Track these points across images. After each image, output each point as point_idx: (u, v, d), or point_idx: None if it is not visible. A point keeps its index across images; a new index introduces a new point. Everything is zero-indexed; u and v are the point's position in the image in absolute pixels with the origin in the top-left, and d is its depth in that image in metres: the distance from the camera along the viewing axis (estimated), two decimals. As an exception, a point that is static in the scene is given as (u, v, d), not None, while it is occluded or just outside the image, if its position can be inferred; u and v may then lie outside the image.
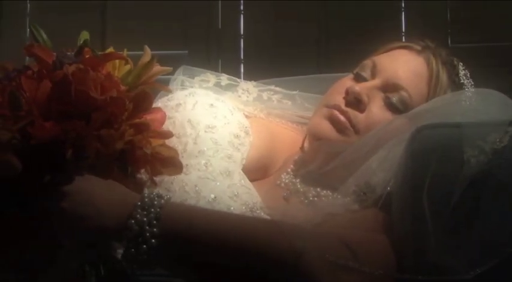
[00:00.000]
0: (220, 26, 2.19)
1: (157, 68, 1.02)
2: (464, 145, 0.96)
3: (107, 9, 2.22)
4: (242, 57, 2.17)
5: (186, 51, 2.18)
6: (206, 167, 1.12)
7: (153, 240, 0.89)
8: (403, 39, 1.99)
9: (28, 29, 2.24)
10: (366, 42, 1.85)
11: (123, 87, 0.96)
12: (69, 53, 0.96)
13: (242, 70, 2.16)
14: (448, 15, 2.09)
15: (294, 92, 1.38)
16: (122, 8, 2.22)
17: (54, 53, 0.95)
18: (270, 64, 2.10)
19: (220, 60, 2.17)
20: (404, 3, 2.12)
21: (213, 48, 2.17)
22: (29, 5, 2.26)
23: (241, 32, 2.18)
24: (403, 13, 2.12)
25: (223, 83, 1.36)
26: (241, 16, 2.18)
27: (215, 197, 1.08)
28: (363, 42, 1.94)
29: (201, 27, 2.18)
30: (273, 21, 2.16)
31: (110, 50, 1.00)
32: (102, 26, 2.21)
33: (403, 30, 2.12)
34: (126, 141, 0.93)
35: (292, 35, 2.15)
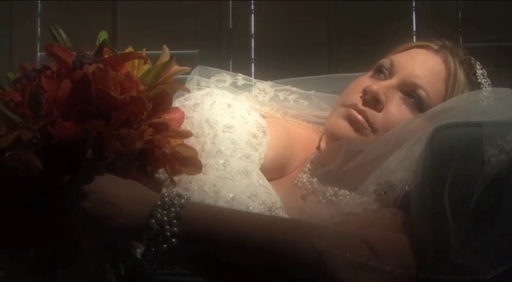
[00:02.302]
0: (231, 26, 2.19)
1: (175, 67, 1.01)
2: (485, 144, 0.96)
3: (117, 9, 2.22)
4: (253, 56, 2.17)
5: (197, 51, 2.18)
6: (224, 166, 1.13)
7: (174, 240, 0.89)
8: (414, 39, 2.01)
9: (39, 29, 2.25)
10: (376, 41, 1.86)
11: (142, 87, 0.96)
12: (88, 53, 0.96)
13: (253, 70, 2.15)
14: (459, 15, 2.09)
15: (310, 92, 1.38)
16: (132, 7, 2.22)
17: (74, 53, 0.95)
18: (280, 64, 2.08)
19: (231, 60, 2.16)
20: (415, 2, 2.11)
21: (223, 47, 2.17)
22: (39, 5, 2.26)
23: (252, 32, 2.18)
24: (414, 13, 2.11)
25: (239, 83, 1.36)
26: (252, 16, 2.18)
27: (234, 197, 1.08)
28: (373, 42, 1.95)
29: (212, 27, 2.18)
30: (284, 20, 2.16)
31: (129, 49, 0.99)
32: (113, 25, 2.21)
33: (414, 29, 2.11)
34: (146, 141, 0.93)
35: (303, 35, 2.15)
